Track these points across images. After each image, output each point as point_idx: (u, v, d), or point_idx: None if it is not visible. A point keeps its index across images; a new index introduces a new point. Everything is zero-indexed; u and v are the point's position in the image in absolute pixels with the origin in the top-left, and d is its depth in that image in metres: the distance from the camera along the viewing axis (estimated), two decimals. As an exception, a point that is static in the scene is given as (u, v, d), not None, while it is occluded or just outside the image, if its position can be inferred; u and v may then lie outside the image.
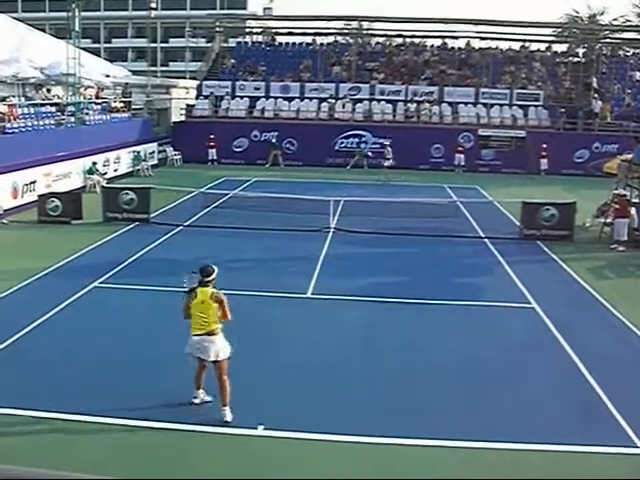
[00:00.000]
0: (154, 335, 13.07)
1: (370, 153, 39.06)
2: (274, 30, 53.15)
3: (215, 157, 40.39)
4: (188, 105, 44.32)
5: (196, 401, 10.11)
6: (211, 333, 9.60)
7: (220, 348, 9.63)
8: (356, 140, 40.39)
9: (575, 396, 10.85)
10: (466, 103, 42.74)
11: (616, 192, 22.61)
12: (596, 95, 41.74)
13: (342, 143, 40.53)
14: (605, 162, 27.45)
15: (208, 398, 10.09)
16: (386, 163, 35.82)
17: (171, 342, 12.58)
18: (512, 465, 8.79)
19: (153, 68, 67.20)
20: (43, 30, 50.89)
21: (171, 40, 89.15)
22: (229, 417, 9.62)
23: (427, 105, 42.09)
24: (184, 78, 58.68)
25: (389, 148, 36.53)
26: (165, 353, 12.05)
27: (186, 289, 9.85)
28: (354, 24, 59.26)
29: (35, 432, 9.25)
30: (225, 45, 51.98)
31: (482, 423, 9.81)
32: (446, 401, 10.58)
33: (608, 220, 22.89)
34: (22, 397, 10.12)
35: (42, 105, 30.98)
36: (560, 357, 12.40)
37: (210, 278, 9.83)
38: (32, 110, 29.42)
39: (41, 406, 9.79)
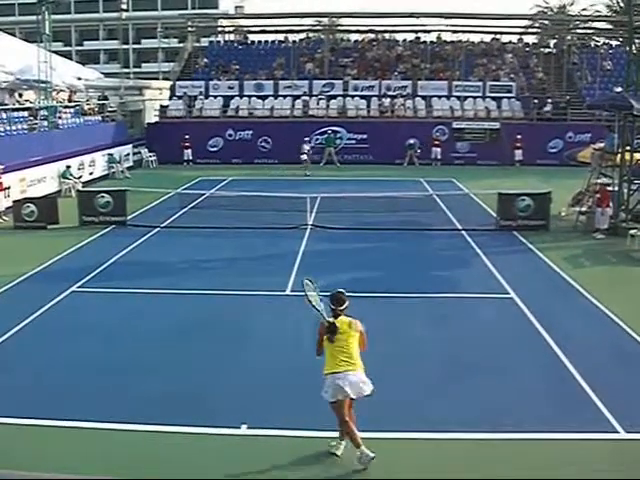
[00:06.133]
0: (134, 338, 13.02)
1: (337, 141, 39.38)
2: (246, 28, 53.04)
3: (190, 157, 40.27)
4: (162, 106, 44.15)
5: (338, 452, 8.79)
6: (357, 368, 8.56)
7: (367, 382, 8.62)
8: (332, 137, 40.37)
9: (555, 384, 10.94)
10: (440, 96, 42.88)
11: (599, 181, 22.80)
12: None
13: (317, 140, 40.50)
14: (579, 151, 27.62)
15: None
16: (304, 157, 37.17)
17: (152, 344, 12.59)
18: (493, 454, 8.86)
19: (126, 70, 67.07)
20: (13, 34, 50.63)
21: (143, 41, 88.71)
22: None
23: (401, 100, 42.17)
24: (157, 79, 58.45)
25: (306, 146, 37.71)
26: (145, 355, 12.04)
27: (322, 318, 8.76)
28: (325, 20, 59.30)
29: (17, 439, 9.19)
30: (197, 45, 51.83)
31: (462, 414, 9.86)
32: (426, 393, 10.63)
33: (583, 209, 23.10)
34: (2, 404, 10.06)
35: (14, 110, 30.72)
36: (539, 345, 12.50)
37: (344, 307, 8.85)
38: (4, 115, 29.18)
39: (21, 413, 9.73)
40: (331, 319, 8.72)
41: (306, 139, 38.30)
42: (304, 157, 37.24)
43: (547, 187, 23.71)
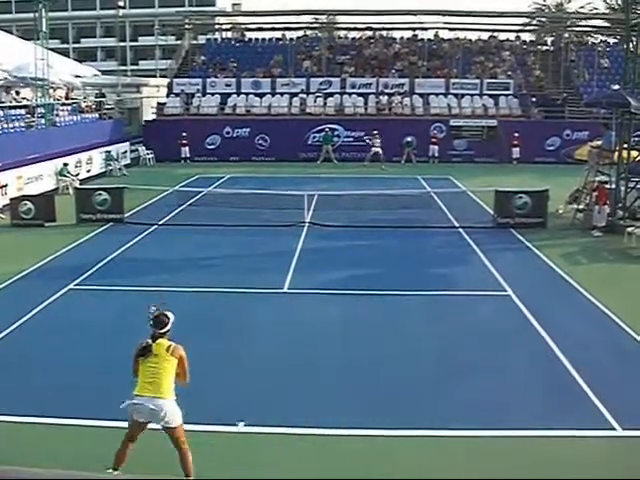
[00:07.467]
0: (132, 336, 12.98)
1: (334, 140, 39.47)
2: (243, 26, 52.97)
3: (188, 155, 40.25)
4: (159, 103, 44.05)
5: None
6: (162, 395, 7.92)
7: (172, 412, 7.96)
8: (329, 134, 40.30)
9: (552, 381, 10.96)
10: (437, 94, 42.81)
11: (596, 179, 22.84)
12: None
13: (314, 137, 40.48)
14: (576, 149, 27.62)
15: None
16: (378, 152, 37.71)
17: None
18: (491, 452, 8.87)
19: (123, 67, 67.03)
20: (10, 32, 50.50)
21: (140, 38, 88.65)
22: None
23: (398, 97, 42.15)
24: (154, 76, 58.42)
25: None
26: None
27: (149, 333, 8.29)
28: (323, 18, 59.25)
29: (14, 437, 9.19)
30: (195, 42, 51.74)
31: (459, 411, 9.88)
32: (424, 390, 10.65)
33: (581, 206, 23.12)
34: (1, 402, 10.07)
35: (11, 108, 30.65)
36: (536, 343, 12.52)
37: (165, 330, 8.27)
38: (1, 113, 29.13)
39: (18, 411, 9.72)
40: (149, 341, 8.28)
41: (375, 132, 38.25)
42: (378, 151, 37.63)
43: (544, 185, 23.73)
